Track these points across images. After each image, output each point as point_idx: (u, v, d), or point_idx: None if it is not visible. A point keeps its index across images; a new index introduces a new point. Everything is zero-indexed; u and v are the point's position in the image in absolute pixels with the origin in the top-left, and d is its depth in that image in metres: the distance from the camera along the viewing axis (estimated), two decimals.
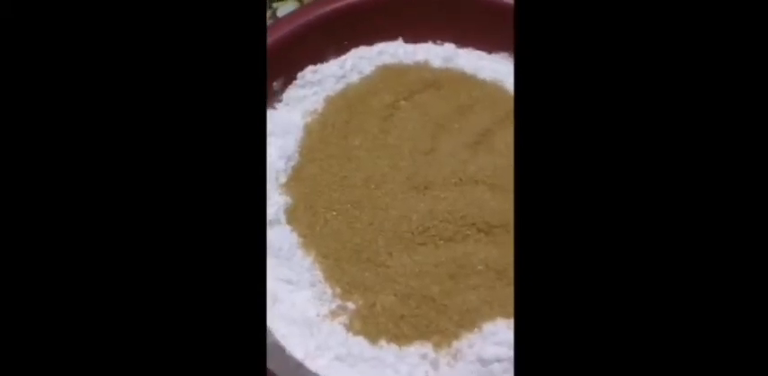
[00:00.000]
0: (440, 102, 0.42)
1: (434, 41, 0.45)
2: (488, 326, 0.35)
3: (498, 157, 0.40)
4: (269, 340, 0.35)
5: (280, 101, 0.44)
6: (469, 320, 0.35)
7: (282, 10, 0.55)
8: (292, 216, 0.39)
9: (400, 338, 0.35)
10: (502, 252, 0.36)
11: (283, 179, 0.41)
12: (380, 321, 0.35)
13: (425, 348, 0.35)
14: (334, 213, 0.38)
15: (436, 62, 0.44)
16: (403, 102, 0.42)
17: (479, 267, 0.36)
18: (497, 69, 0.44)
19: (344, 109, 0.42)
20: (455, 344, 0.35)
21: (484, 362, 0.34)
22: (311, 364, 0.35)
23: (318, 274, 0.37)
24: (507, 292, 0.35)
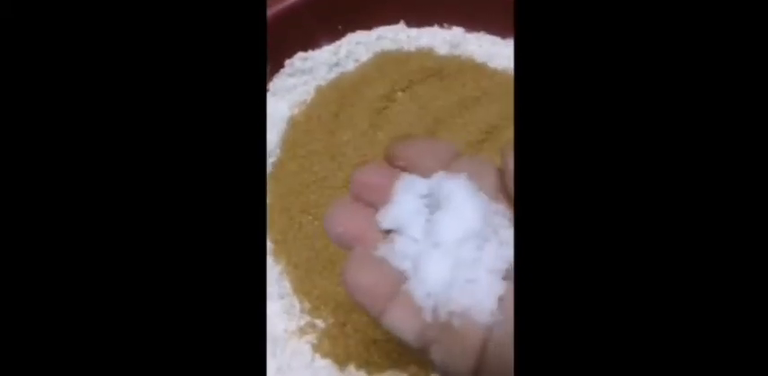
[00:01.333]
0: (441, 94, 0.36)
1: (441, 25, 0.38)
2: None
3: None
4: None
5: (266, 90, 0.39)
6: None
7: None
8: (268, 219, 0.34)
9: (371, 365, 0.30)
10: None
11: None
12: (350, 344, 0.30)
13: None
14: (310, 218, 0.33)
15: (442, 49, 0.38)
16: (400, 94, 0.36)
17: None
18: (512, 56, 0.37)
19: (334, 100, 0.37)
20: None
21: None
22: None
23: (287, 286, 0.32)
24: None
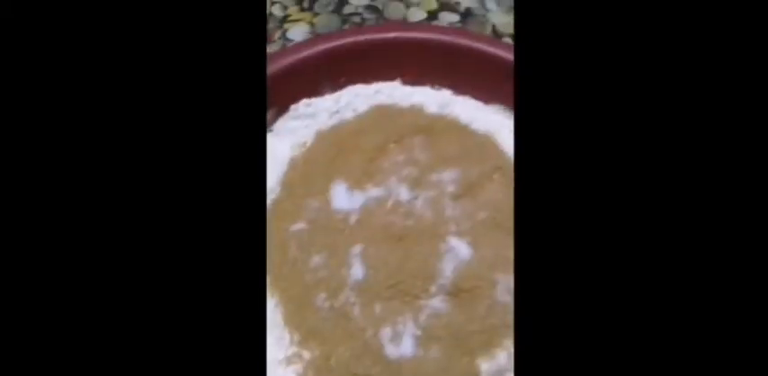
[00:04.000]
0: (429, 150, 0.38)
1: (432, 86, 0.41)
2: None
3: (481, 213, 0.36)
4: None
5: (270, 131, 0.40)
6: None
7: (293, 31, 0.51)
8: None
9: None
10: (466, 317, 0.32)
11: None
12: None
13: None
14: (304, 255, 0.35)
15: (432, 107, 0.40)
16: (392, 146, 0.38)
17: (440, 333, 0.32)
18: (492, 121, 0.40)
19: (333, 145, 0.38)
20: None
21: None
22: None
23: (279, 318, 0.33)
24: (465, 363, 0.31)
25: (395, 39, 0.38)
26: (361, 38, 0.38)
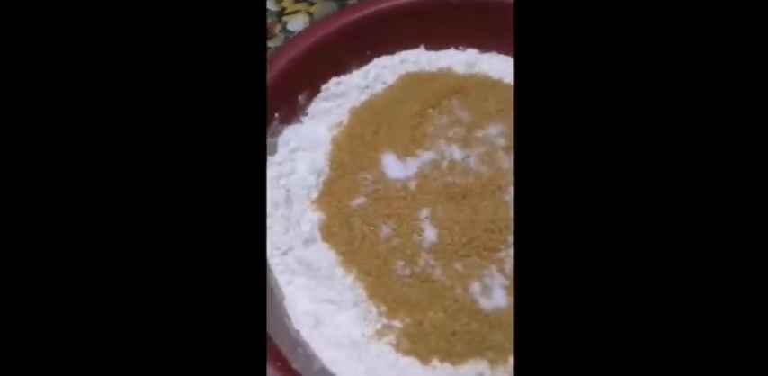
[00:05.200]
0: (468, 108, 0.38)
1: (456, 47, 0.40)
2: None
3: None
4: (316, 367, 0.31)
5: (305, 114, 0.39)
6: None
7: (293, 23, 0.51)
8: (328, 233, 0.34)
9: (453, 356, 0.31)
10: None
11: (315, 195, 0.36)
12: (431, 339, 0.31)
13: (481, 366, 0.30)
14: (372, 228, 0.34)
15: (460, 68, 0.40)
16: (430, 111, 0.38)
17: None
18: None
19: (370, 120, 0.38)
20: (511, 359, 0.30)
21: None
22: None
23: (361, 293, 0.32)
24: None
25: (413, 3, 0.38)
26: (378, 7, 0.38)
